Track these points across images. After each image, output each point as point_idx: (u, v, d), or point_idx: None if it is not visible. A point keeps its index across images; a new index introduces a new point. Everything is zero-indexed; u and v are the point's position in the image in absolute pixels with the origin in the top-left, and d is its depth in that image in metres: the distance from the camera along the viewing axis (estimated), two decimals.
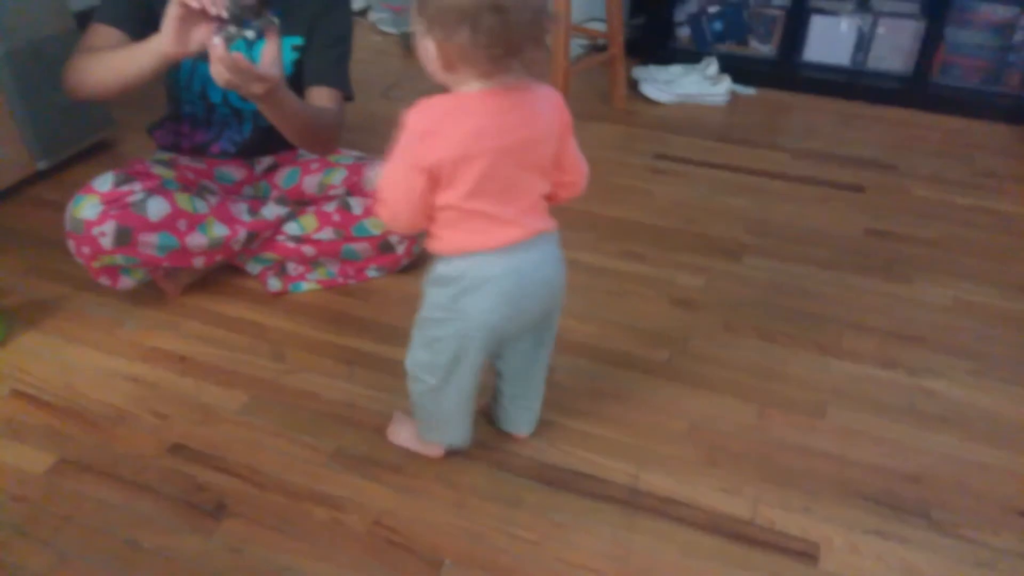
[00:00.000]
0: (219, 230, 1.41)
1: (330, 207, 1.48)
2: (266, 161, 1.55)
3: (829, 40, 2.51)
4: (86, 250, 1.31)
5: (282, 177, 1.53)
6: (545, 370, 1.15)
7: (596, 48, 2.76)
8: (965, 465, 1.19)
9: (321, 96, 1.37)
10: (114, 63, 1.21)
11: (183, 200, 1.38)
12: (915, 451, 1.21)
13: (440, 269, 0.98)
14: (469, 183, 0.90)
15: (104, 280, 1.38)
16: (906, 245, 1.74)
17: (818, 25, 2.50)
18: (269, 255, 1.52)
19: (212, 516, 1.09)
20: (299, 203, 1.51)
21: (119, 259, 1.33)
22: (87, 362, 1.35)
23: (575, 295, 1.52)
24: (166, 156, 1.49)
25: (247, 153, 1.51)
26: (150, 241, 1.33)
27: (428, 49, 0.87)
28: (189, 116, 1.47)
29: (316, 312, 1.48)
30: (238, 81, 1.08)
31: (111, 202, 1.30)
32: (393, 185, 0.93)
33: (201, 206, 1.40)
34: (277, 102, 1.17)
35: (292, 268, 1.54)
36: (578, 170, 1.02)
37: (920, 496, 1.14)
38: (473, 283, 0.95)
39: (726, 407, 1.28)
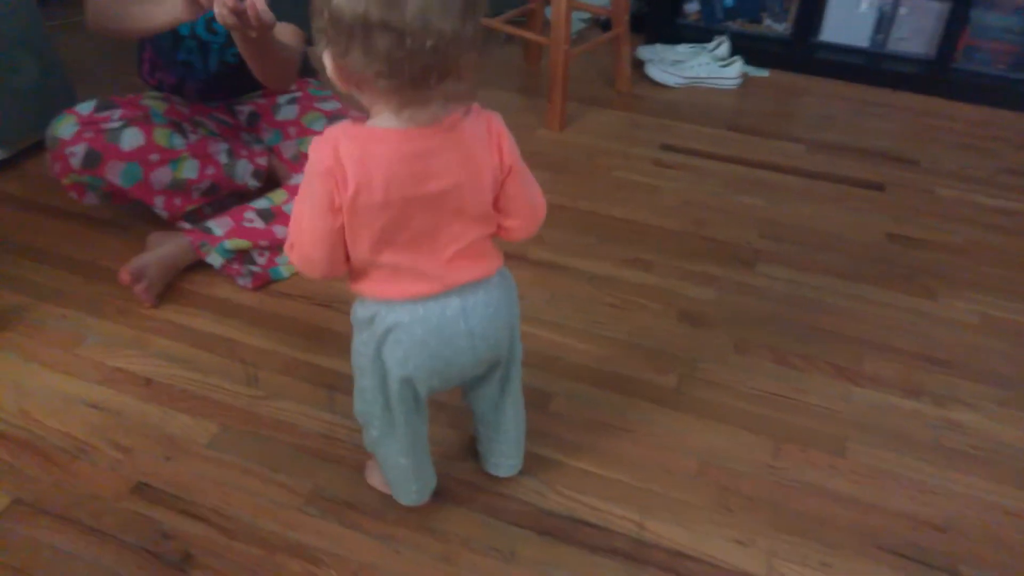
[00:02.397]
0: (188, 171, 1.45)
1: (299, 179, 1.44)
2: (245, 110, 1.61)
3: (848, 20, 2.36)
4: (57, 167, 1.40)
5: (267, 135, 1.59)
6: (516, 421, 1.04)
7: (598, 23, 2.60)
8: (994, 511, 1.10)
9: (285, 32, 1.37)
10: (134, 16, 1.27)
11: (160, 135, 1.44)
12: (941, 495, 1.12)
13: (357, 309, 0.89)
14: (371, 237, 0.78)
15: (72, 195, 1.44)
16: (929, 252, 1.63)
17: (836, 3, 2.34)
18: (235, 243, 1.41)
19: (177, 568, 0.99)
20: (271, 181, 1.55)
21: (86, 179, 1.40)
22: (44, 385, 1.24)
23: (575, 309, 1.43)
24: (160, 95, 1.55)
25: (213, 89, 1.53)
26: (117, 169, 1.40)
27: (327, 64, 0.73)
28: (155, 45, 1.50)
29: (294, 327, 1.37)
30: (240, 24, 1.12)
31: (87, 124, 1.39)
32: (301, 227, 0.80)
33: (178, 142, 1.46)
34: (262, 43, 1.22)
35: (257, 256, 1.45)
36: (524, 214, 0.86)
37: (947, 548, 1.05)
38: (384, 327, 0.84)
39: (739, 442, 1.18)
